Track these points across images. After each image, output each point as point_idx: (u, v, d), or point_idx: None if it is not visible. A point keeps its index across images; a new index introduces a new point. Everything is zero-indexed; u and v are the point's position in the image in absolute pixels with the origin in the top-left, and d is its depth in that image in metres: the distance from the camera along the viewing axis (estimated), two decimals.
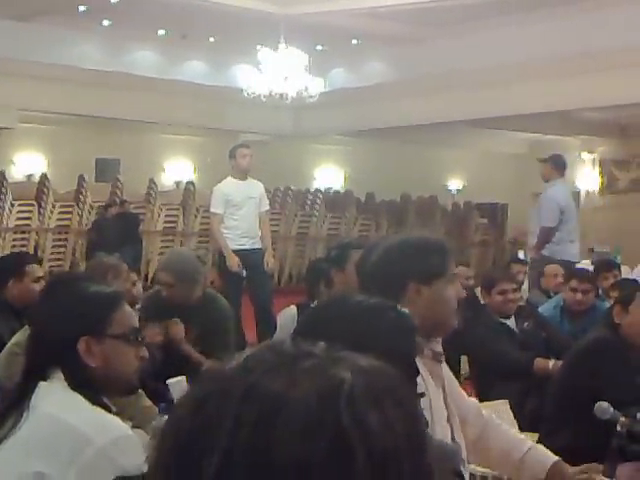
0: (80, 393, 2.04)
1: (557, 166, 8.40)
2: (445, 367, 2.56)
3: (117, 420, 2.04)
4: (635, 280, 6.80)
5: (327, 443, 0.74)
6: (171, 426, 0.80)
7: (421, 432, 0.81)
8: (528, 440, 2.70)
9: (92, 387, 2.06)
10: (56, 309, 2.19)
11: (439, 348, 2.50)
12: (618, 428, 2.54)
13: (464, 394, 2.70)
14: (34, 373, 2.08)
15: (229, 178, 7.74)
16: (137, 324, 2.21)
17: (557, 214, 8.07)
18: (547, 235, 7.96)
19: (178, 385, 3.53)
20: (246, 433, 0.75)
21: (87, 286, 2.26)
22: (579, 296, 5.76)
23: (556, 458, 2.59)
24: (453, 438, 2.40)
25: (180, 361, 4.36)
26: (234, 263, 7.43)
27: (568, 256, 7.99)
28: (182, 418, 0.79)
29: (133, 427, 3.08)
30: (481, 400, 3.85)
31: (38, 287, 4.22)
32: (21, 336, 3.64)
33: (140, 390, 3.41)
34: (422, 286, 2.37)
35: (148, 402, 3.40)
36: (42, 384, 2.04)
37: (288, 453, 0.74)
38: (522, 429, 3.36)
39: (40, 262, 4.67)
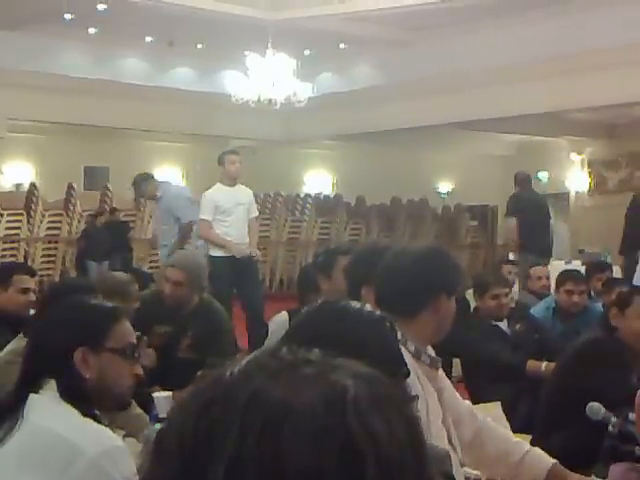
0: (71, 405, 2.03)
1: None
2: (440, 371, 2.58)
3: (108, 431, 2.03)
4: (624, 280, 6.84)
5: (337, 449, 0.74)
6: (174, 430, 0.79)
7: (422, 438, 0.81)
8: (525, 443, 2.74)
9: (84, 399, 2.06)
10: (56, 318, 2.20)
11: (433, 354, 2.52)
12: (610, 428, 2.54)
13: (458, 396, 2.73)
14: (28, 383, 2.07)
15: (218, 184, 7.73)
16: (135, 341, 2.21)
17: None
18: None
19: (165, 400, 3.46)
20: (253, 440, 0.74)
21: (89, 298, 2.27)
22: (576, 298, 5.77)
23: (554, 460, 2.63)
24: (450, 441, 2.41)
25: (170, 367, 4.35)
26: (239, 250, 7.44)
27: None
28: (185, 422, 0.78)
29: (125, 436, 3.09)
30: (474, 402, 3.84)
31: (25, 298, 4.19)
32: (16, 344, 3.62)
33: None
34: (447, 298, 2.45)
35: (139, 410, 3.38)
36: (33, 396, 2.03)
37: (298, 460, 0.73)
38: (515, 431, 3.36)
39: (33, 274, 4.60)
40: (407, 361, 2.27)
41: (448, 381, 2.70)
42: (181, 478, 0.76)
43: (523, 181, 9.84)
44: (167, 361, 4.42)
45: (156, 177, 8.91)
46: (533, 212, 9.26)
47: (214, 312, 4.76)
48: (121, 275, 4.66)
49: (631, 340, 3.77)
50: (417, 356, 2.41)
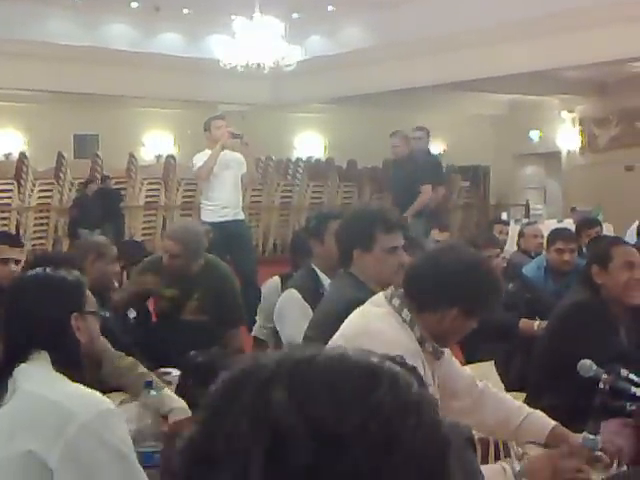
0: (63, 373, 2.05)
1: None
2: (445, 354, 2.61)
3: (100, 395, 2.05)
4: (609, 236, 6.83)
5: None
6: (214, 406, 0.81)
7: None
8: (525, 406, 2.77)
9: (77, 365, 2.11)
10: (38, 290, 2.21)
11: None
12: (601, 385, 2.56)
13: (459, 366, 2.76)
14: (16, 355, 2.08)
15: (206, 150, 7.70)
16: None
17: None
18: None
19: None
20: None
21: (57, 270, 2.30)
22: (566, 256, 5.76)
23: (554, 423, 2.65)
24: None
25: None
26: (231, 143, 7.42)
27: None
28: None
29: (122, 402, 3.13)
30: (468, 361, 3.88)
31: (7, 269, 4.02)
32: None
33: (133, 359, 3.46)
34: (459, 313, 2.44)
35: (143, 369, 3.43)
36: (22, 366, 2.05)
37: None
38: (508, 389, 3.38)
39: (16, 244, 4.42)
40: (412, 344, 2.39)
41: (450, 352, 2.72)
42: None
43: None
44: (173, 324, 4.50)
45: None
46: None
47: (220, 273, 4.80)
48: (93, 236, 4.69)
49: (618, 294, 3.62)
50: (421, 342, 2.46)
